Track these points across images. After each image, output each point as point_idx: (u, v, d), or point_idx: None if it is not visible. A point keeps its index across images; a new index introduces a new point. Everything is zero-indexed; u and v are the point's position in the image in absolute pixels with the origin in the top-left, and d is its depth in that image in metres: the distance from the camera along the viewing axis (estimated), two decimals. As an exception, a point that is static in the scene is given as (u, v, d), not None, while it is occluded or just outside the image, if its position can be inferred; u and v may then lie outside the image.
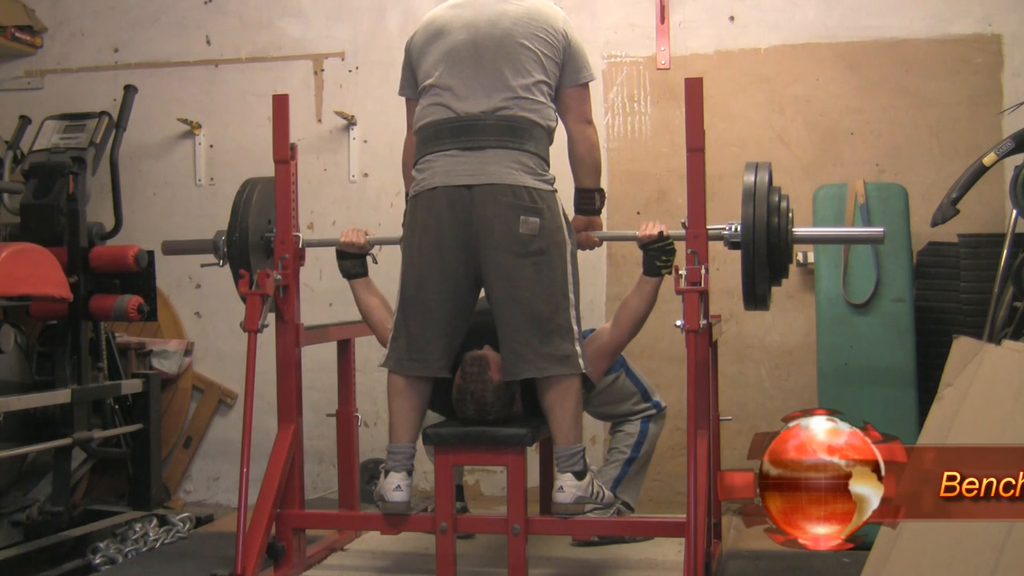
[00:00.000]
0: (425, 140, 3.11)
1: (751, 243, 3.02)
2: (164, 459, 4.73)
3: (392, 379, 3.16)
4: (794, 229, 3.11)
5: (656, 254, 3.17)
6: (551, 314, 3.02)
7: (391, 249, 3.35)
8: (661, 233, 3.16)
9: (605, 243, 4.46)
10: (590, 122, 3.19)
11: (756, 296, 3.08)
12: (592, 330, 3.41)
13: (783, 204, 3.08)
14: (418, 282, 3.09)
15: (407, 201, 3.20)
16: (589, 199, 3.25)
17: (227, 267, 3.45)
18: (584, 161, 3.19)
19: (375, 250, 3.43)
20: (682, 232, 3.11)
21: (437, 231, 3.05)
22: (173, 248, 3.76)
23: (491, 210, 2.99)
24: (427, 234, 3.07)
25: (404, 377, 3.13)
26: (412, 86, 3.24)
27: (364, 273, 3.41)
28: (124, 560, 3.78)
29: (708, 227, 3.09)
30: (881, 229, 3.26)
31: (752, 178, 3.07)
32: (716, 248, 3.26)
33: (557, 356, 3.01)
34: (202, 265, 3.55)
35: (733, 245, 3.11)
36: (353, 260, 3.40)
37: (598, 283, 4.56)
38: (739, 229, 3.06)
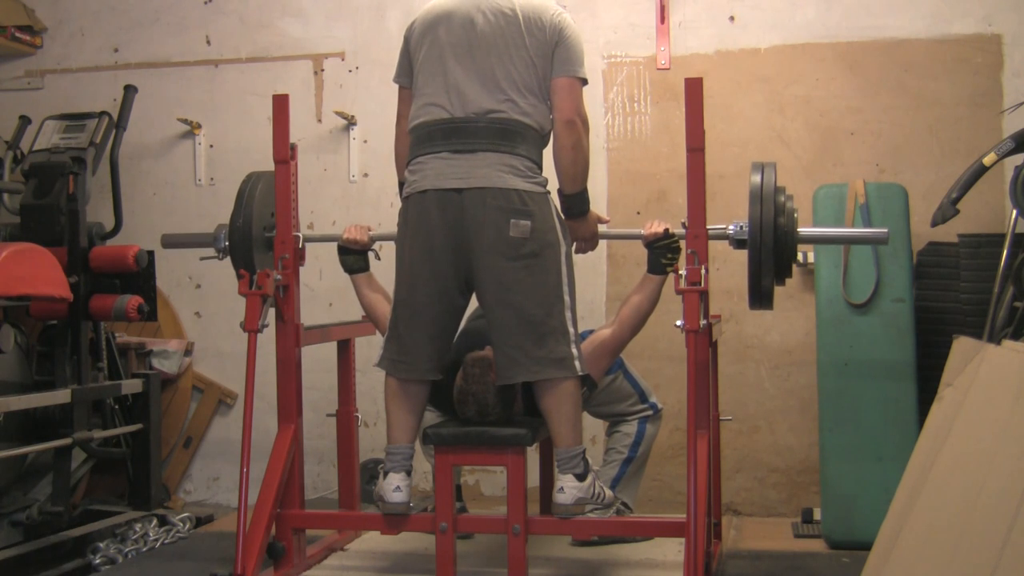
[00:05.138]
0: (418, 141, 3.10)
1: (758, 242, 3.03)
2: (164, 459, 4.73)
3: (387, 381, 3.16)
4: (799, 229, 3.12)
5: (662, 252, 3.18)
6: (544, 317, 3.00)
7: (393, 247, 3.34)
8: (666, 231, 3.15)
9: (605, 243, 4.47)
10: (570, 121, 3.02)
11: (761, 294, 3.09)
12: (590, 331, 3.40)
13: (788, 204, 3.09)
14: (408, 285, 3.09)
15: (401, 194, 3.20)
16: (561, 202, 3.16)
17: (227, 263, 3.45)
18: (556, 163, 3.09)
19: (377, 246, 3.43)
20: (684, 231, 3.11)
21: (428, 234, 3.04)
22: (172, 241, 3.76)
23: (481, 214, 2.98)
24: (418, 237, 3.06)
25: (397, 379, 3.13)
26: (408, 74, 3.20)
27: (366, 268, 3.42)
28: (124, 560, 3.78)
29: (711, 227, 3.09)
30: (885, 230, 3.28)
31: (759, 178, 3.08)
32: (716, 248, 3.25)
33: (552, 359, 3.00)
34: (201, 258, 3.53)
35: (739, 244, 3.11)
36: (355, 256, 3.40)
37: (598, 283, 4.55)
38: (745, 228, 3.07)
